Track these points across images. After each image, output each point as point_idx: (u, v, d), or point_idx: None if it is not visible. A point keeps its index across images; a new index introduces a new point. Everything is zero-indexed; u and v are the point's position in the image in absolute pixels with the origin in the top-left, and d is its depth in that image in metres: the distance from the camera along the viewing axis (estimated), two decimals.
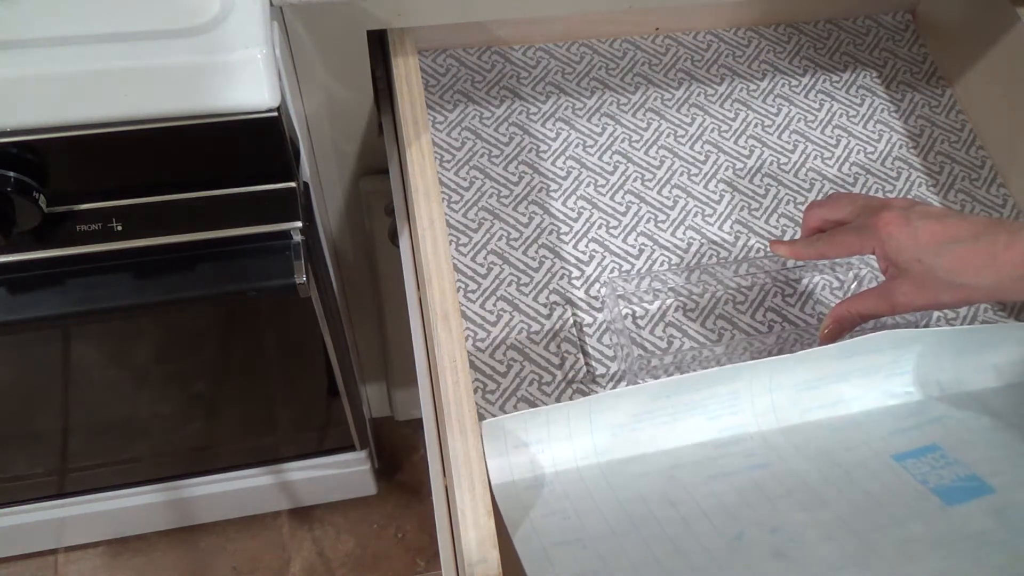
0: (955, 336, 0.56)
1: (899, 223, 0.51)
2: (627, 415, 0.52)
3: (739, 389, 0.53)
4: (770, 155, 0.72)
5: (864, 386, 0.56)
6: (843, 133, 0.74)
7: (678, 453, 0.53)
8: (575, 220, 0.68)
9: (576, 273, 0.65)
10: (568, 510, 0.49)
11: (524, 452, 0.51)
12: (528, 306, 0.63)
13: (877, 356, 0.55)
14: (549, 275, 0.65)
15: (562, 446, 0.52)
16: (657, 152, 0.72)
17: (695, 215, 0.69)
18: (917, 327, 0.64)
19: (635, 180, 0.70)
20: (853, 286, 0.66)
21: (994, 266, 0.48)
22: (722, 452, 0.53)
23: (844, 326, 0.56)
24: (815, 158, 0.72)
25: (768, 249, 0.67)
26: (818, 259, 0.59)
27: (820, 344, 0.59)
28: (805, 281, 0.66)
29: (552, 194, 0.69)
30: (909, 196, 0.71)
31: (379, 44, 0.69)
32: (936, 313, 0.64)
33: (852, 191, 0.71)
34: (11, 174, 0.54)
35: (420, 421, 0.58)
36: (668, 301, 0.64)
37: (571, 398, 0.59)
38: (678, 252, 0.67)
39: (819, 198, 0.70)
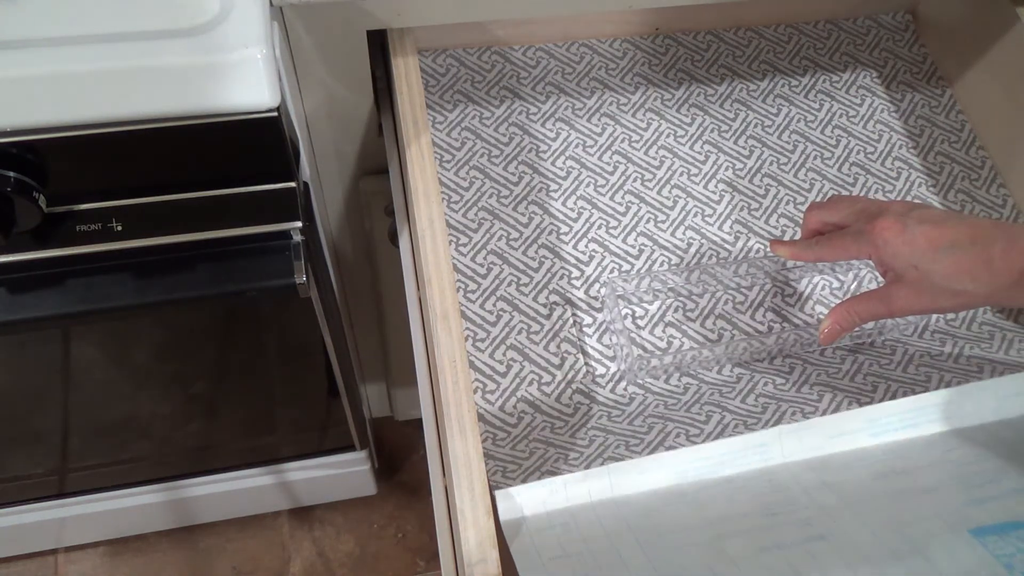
0: (990, 389, 0.54)
1: (895, 229, 0.51)
2: (657, 499, 0.49)
3: (776, 470, 0.50)
4: (770, 155, 0.72)
5: (925, 463, 0.51)
6: (843, 133, 0.74)
7: (723, 522, 0.48)
8: (575, 220, 0.68)
9: (576, 273, 0.65)
10: None
11: (545, 523, 0.48)
12: (528, 306, 0.63)
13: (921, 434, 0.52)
14: (549, 275, 0.65)
15: (586, 515, 0.49)
16: (657, 152, 0.72)
17: (695, 215, 0.69)
18: (917, 328, 0.64)
19: (635, 180, 0.70)
20: (853, 287, 0.66)
21: (989, 273, 0.48)
22: (773, 521, 0.48)
23: (844, 327, 0.56)
24: (815, 158, 0.72)
25: (768, 249, 0.67)
26: (816, 261, 0.59)
27: (820, 344, 0.59)
28: (805, 282, 0.66)
29: (552, 194, 0.69)
30: (909, 196, 0.71)
31: (379, 44, 0.69)
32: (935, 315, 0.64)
33: (852, 192, 0.71)
34: (11, 174, 0.54)
35: (420, 421, 0.58)
36: (668, 301, 0.64)
37: (571, 398, 0.59)
38: (678, 252, 0.67)
39: (819, 199, 0.70)
